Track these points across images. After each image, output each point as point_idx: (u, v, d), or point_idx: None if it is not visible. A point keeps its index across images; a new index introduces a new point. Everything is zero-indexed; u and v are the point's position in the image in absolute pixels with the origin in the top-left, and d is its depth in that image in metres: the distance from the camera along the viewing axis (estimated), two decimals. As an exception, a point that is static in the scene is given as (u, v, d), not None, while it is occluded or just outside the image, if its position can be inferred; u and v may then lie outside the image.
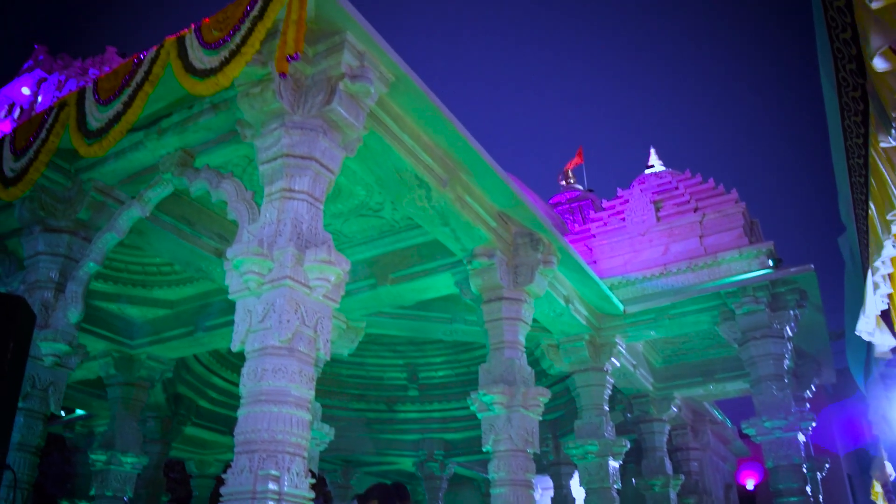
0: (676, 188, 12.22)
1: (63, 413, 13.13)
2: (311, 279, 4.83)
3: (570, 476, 14.36)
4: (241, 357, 11.86)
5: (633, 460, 13.74)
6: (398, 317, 9.74)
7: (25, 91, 11.42)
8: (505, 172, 7.08)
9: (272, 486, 4.48)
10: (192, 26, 5.36)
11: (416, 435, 14.92)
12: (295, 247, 4.79)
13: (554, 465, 14.42)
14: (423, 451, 14.94)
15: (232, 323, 9.02)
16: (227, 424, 13.12)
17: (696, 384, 12.77)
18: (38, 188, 6.45)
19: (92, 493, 9.75)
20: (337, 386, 13.92)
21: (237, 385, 12.74)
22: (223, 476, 4.68)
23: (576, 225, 15.24)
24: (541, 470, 11.29)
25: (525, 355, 7.81)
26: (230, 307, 9.00)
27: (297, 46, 4.74)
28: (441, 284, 8.45)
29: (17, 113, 11.36)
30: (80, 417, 13.14)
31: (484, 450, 7.54)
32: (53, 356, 6.13)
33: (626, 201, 12.46)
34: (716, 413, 15.89)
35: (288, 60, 4.76)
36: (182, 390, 12.05)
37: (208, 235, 7.46)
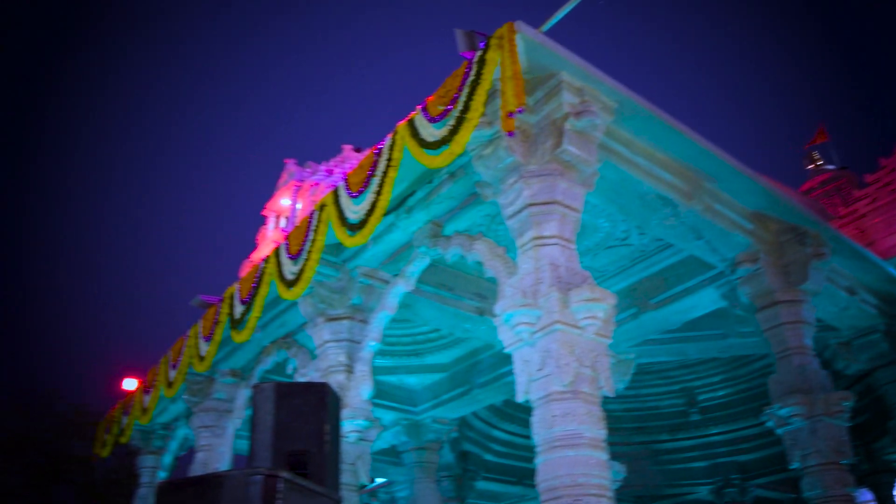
0: (952, 142, 10.79)
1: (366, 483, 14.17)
2: (580, 319, 4.84)
3: (893, 485, 12.80)
4: (516, 407, 12.12)
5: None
6: (667, 342, 9.42)
7: (286, 202, 12.85)
8: (752, 171, 6.69)
9: (583, 530, 4.46)
10: (419, 107, 5.72)
11: (707, 461, 14.15)
12: (558, 290, 4.84)
13: (871, 475, 12.93)
14: (719, 478, 14.12)
15: (502, 376, 9.36)
16: (515, 475, 13.36)
17: None
18: (315, 283, 7.12)
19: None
20: (614, 422, 13.64)
21: (517, 435, 12.98)
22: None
23: (838, 208, 13.92)
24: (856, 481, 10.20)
25: (815, 359, 7.19)
26: (499, 361, 9.32)
27: (518, 101, 4.87)
28: (706, 300, 8.07)
29: (282, 222, 12.79)
30: (382, 485, 14.05)
31: (791, 467, 6.98)
32: (356, 432, 6.66)
33: (894, 169, 11.19)
34: None
35: (511, 116, 4.90)
36: (468, 447, 12.49)
37: (468, 297, 7.78)
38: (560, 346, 4.72)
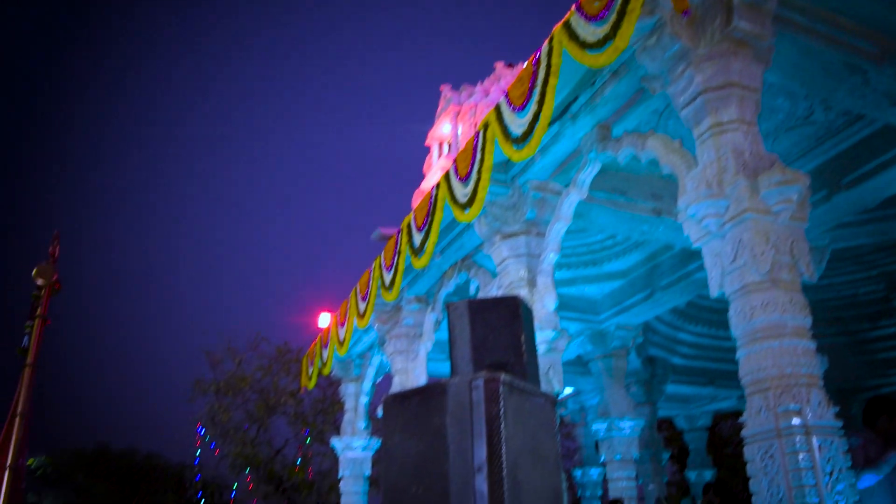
0: None
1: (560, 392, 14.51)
2: (772, 205, 4.59)
3: None
4: (700, 308, 11.80)
5: None
6: (862, 223, 8.77)
7: (447, 128, 12.99)
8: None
9: (796, 421, 4.33)
10: (573, 7, 5.52)
11: (915, 350, 13.21)
12: (745, 177, 4.61)
13: None
14: (932, 366, 13.17)
15: (685, 277, 9.12)
16: (706, 376, 13.15)
17: None
18: (487, 203, 7.19)
19: (602, 459, 10.55)
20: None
21: (704, 336, 12.64)
22: (741, 420, 4.66)
23: None
24: None
25: None
26: (679, 262, 9.09)
27: None
28: (907, 173, 7.38)
29: (445, 149, 12.96)
30: (571, 395, 14.32)
31: None
32: (545, 343, 6.77)
33: None
34: None
35: None
36: (654, 352, 12.40)
37: (642, 198, 7.58)
38: (753, 234, 4.52)
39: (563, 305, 9.92)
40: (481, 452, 2.32)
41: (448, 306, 4.43)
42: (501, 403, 2.35)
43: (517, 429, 2.41)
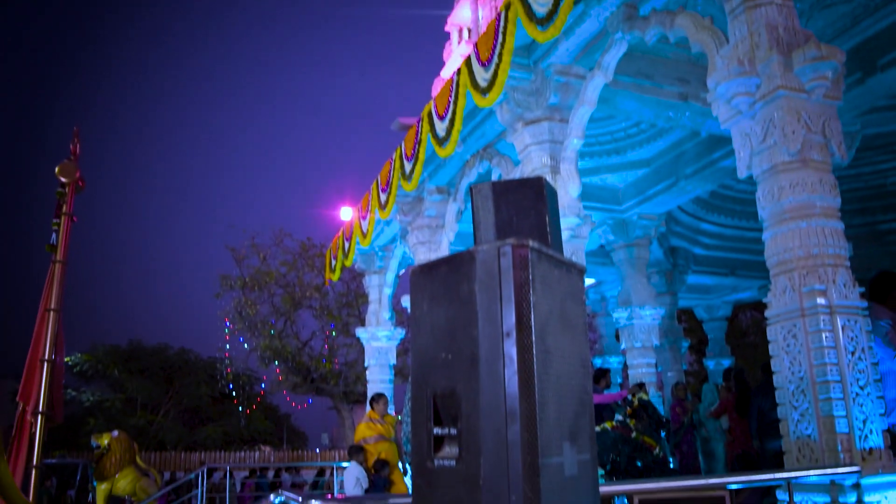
0: None
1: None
2: (806, 82, 4.45)
3: None
4: (724, 199, 11.66)
5: None
6: (896, 107, 8.52)
7: (466, 13, 12.60)
8: None
9: (820, 300, 4.35)
10: None
11: (941, 239, 13.09)
12: (778, 53, 4.45)
13: None
14: (957, 256, 13.06)
15: (710, 164, 8.98)
16: (727, 266, 13.15)
17: None
18: (509, 89, 7.04)
19: (622, 346, 10.71)
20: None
21: (726, 227, 12.54)
22: (765, 301, 4.68)
23: None
24: None
25: None
26: (705, 149, 8.94)
27: None
28: (948, 51, 7.09)
29: (466, 34, 12.57)
30: (590, 286, 14.41)
31: None
32: (569, 230, 6.76)
33: None
34: None
35: None
36: (675, 242, 12.37)
37: (669, 83, 7.36)
38: (785, 112, 4.40)
39: (586, 195, 9.87)
40: (510, 318, 2.34)
41: (471, 188, 4.41)
42: (530, 269, 2.36)
43: (545, 295, 2.42)
